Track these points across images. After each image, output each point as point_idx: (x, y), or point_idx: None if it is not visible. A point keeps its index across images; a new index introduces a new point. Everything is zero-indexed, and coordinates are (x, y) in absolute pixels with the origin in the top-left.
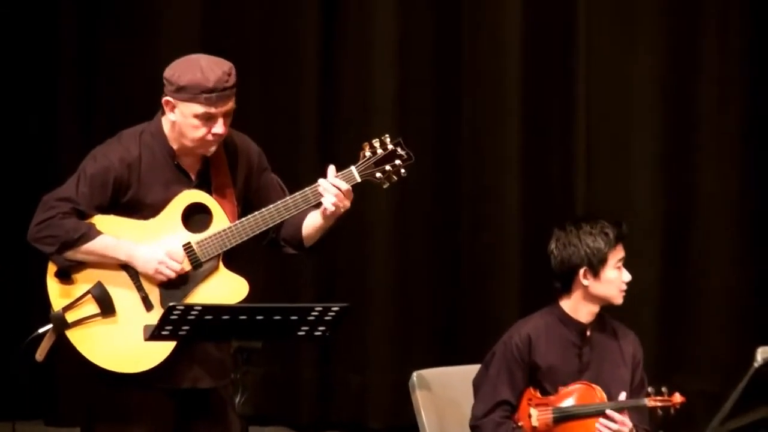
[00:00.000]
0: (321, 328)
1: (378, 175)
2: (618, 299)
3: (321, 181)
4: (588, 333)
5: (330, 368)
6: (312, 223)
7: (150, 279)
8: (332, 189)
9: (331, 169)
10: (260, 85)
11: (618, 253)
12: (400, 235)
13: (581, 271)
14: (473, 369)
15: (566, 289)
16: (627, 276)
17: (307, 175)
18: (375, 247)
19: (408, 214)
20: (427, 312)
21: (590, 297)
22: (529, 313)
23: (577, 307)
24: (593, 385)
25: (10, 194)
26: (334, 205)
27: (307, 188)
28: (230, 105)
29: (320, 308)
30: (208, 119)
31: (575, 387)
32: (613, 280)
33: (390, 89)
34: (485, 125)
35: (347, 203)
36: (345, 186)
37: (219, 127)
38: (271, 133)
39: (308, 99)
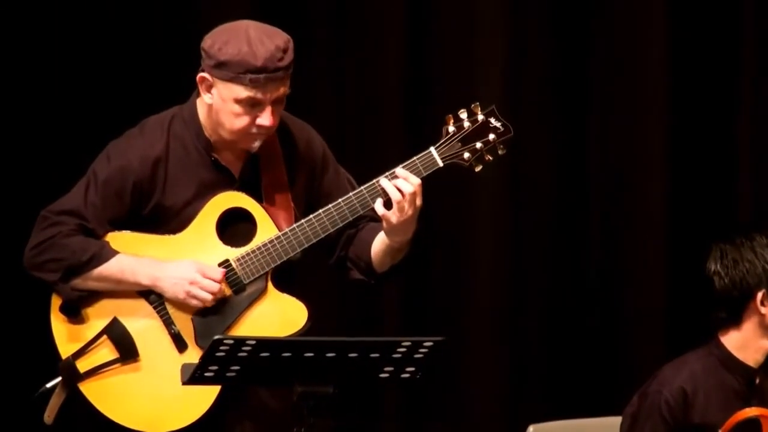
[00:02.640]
0: (409, 369)
1: (466, 155)
2: None
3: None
4: (757, 380)
5: (420, 420)
6: (378, 240)
7: (180, 308)
8: (390, 186)
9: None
10: (331, 52)
11: None
12: (509, 250)
13: (759, 295)
14: (603, 423)
15: (734, 320)
16: None
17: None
18: (478, 266)
19: (520, 224)
20: (542, 349)
21: (766, 329)
22: (678, 350)
23: (746, 344)
24: None
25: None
26: (387, 205)
27: (363, 186)
28: (282, 90)
29: (409, 343)
30: (252, 106)
31: None
32: None
33: (497, 55)
34: (621, 107)
35: (405, 206)
36: (409, 186)
37: (266, 118)
38: (345, 117)
39: (393, 66)
